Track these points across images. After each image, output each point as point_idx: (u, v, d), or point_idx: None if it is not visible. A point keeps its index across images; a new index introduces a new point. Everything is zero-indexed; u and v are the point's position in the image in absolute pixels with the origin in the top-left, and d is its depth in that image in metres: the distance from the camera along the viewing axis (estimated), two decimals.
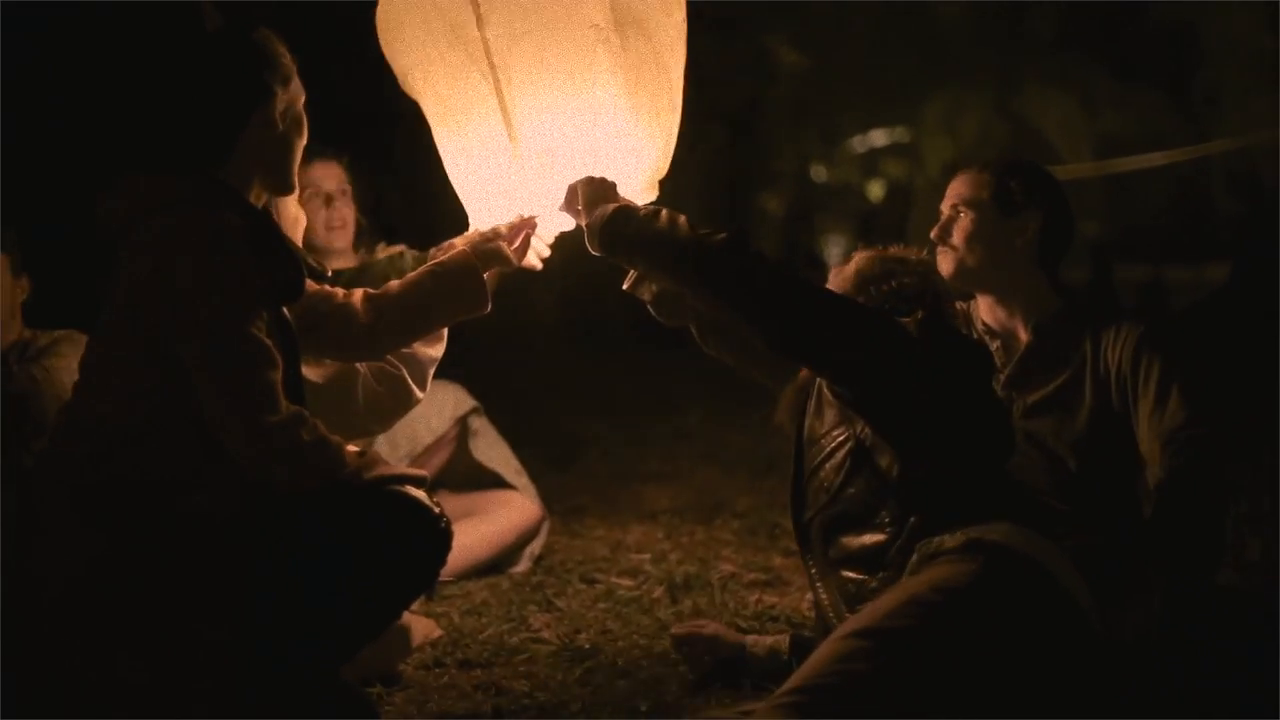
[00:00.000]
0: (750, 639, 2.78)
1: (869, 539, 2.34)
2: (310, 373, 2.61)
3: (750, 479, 5.16)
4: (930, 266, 2.63)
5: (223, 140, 2.25)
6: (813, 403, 2.50)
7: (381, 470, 2.25)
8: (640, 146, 2.53)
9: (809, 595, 3.02)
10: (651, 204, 2.53)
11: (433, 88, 2.55)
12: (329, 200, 3.53)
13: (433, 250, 2.77)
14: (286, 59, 2.30)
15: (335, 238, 3.53)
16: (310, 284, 2.39)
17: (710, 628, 2.81)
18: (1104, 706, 2.22)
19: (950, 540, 2.25)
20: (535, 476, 3.98)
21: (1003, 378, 2.71)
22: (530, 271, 2.66)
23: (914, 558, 2.27)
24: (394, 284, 2.56)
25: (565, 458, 5.65)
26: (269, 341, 2.17)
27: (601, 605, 3.41)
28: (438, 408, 3.74)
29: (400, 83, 2.61)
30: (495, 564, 3.73)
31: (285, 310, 2.30)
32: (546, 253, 2.67)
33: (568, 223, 2.60)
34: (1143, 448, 2.63)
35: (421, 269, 2.57)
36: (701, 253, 2.34)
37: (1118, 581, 2.46)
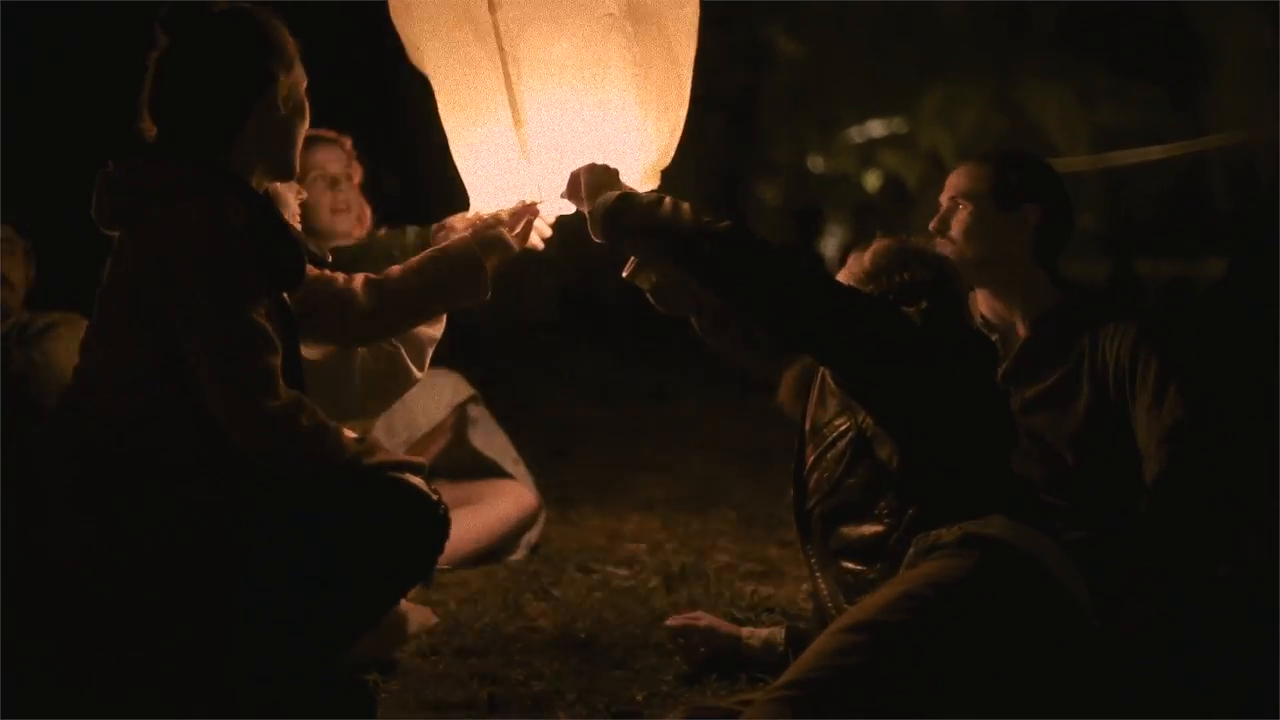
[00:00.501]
0: (746, 631, 2.78)
1: (868, 530, 2.34)
2: (307, 351, 2.59)
3: (747, 470, 5.16)
4: (946, 258, 2.61)
5: (225, 126, 2.24)
6: (816, 391, 2.49)
7: (380, 457, 2.24)
8: (646, 137, 2.53)
9: (805, 587, 3.03)
10: (653, 191, 2.52)
11: (441, 68, 2.54)
12: (334, 183, 3.50)
13: (434, 227, 2.76)
14: (290, 43, 2.28)
15: (340, 221, 3.50)
16: (310, 269, 2.38)
17: (706, 620, 2.81)
18: (1100, 702, 2.22)
19: (947, 534, 2.24)
20: (532, 465, 3.98)
21: (1000, 372, 2.71)
22: (532, 252, 2.65)
23: (911, 551, 2.27)
24: (395, 269, 2.55)
25: (563, 447, 5.64)
26: (269, 326, 2.16)
27: (597, 595, 3.41)
28: (435, 395, 3.73)
29: (409, 56, 2.60)
30: (492, 552, 3.73)
31: (285, 295, 2.29)
32: (548, 233, 2.65)
33: (568, 207, 2.59)
34: (1140, 443, 2.62)
35: (423, 255, 2.56)
36: (705, 240, 2.33)
37: (1114, 577, 2.47)
